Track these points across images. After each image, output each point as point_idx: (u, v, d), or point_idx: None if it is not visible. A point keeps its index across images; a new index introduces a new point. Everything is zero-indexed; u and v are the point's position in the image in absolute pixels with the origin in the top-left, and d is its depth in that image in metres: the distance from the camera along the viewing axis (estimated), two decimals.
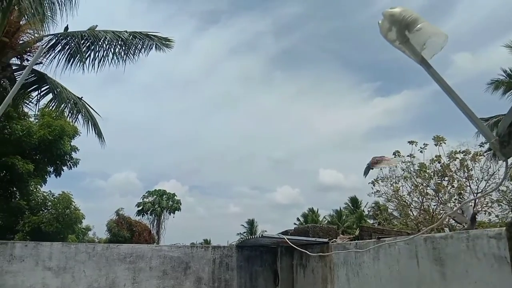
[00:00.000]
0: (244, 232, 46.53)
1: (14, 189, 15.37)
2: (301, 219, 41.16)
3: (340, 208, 39.96)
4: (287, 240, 5.79)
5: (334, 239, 6.07)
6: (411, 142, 11.65)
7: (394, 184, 12.10)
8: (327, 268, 5.73)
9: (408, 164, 11.80)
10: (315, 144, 61.93)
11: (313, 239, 6.02)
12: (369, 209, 24.97)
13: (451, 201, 10.88)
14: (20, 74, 9.61)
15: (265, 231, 40.78)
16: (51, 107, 10.96)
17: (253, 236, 6.74)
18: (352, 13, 57.35)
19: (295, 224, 38.66)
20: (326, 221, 39.60)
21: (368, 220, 26.05)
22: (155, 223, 39.06)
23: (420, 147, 11.52)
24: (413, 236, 3.96)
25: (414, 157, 11.68)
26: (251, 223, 47.15)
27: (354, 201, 38.60)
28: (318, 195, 62.66)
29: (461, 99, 2.03)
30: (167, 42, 10.41)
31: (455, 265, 3.28)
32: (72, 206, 16.55)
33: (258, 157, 66.21)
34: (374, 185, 12.50)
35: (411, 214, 12.00)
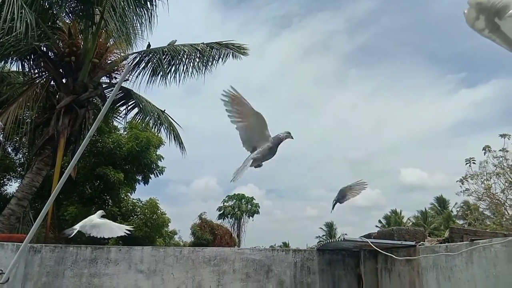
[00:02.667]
0: (323, 235, 45.96)
1: (107, 197, 16.68)
2: (383, 221, 39.66)
3: (425, 209, 37.87)
4: (371, 244, 5.62)
5: (421, 242, 5.77)
6: (503, 136, 10.69)
7: (485, 182, 11.18)
8: (415, 272, 5.46)
9: (501, 159, 10.87)
10: (395, 142, 59.38)
11: (399, 242, 5.78)
12: (458, 209, 23.42)
13: None
14: (109, 92, 10.48)
15: (346, 234, 39.89)
16: (137, 120, 11.82)
17: (334, 240, 6.63)
18: (429, 3, 54.42)
19: (377, 226, 37.36)
20: (410, 223, 37.76)
21: (457, 221, 24.35)
22: (236, 226, 40.05)
23: None
24: None
25: (507, 151, 10.72)
26: (330, 226, 46.46)
27: (441, 201, 36.39)
28: (400, 195, 59.95)
29: None
30: (242, 50, 10.72)
31: None
32: (159, 211, 17.47)
33: (334, 159, 65.09)
34: (462, 183, 11.67)
35: (506, 213, 11.02)
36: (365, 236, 6.27)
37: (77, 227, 6.05)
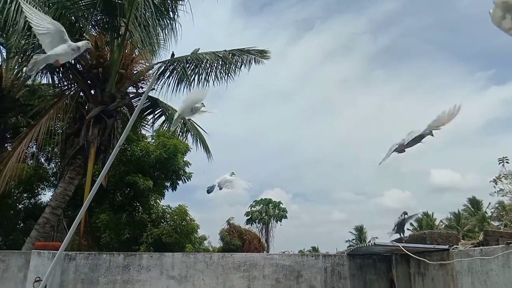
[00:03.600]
0: (353, 239, 45.29)
1: (138, 204, 16.96)
2: (415, 224, 38.69)
3: (459, 211, 36.77)
4: (403, 248, 5.50)
5: (455, 246, 5.61)
6: None
7: None
8: (449, 277, 5.32)
9: None
10: (425, 143, 57.83)
11: (432, 246, 5.63)
12: (492, 210, 22.66)
13: None
14: (136, 101, 10.70)
15: (376, 237, 39.15)
16: (164, 128, 12.02)
17: (365, 244, 6.52)
18: (453, 0, 53.16)
19: (408, 229, 36.49)
20: (443, 225, 36.75)
21: (492, 223, 23.56)
22: (264, 231, 39.99)
23: None
24: None
25: None
26: (359, 230, 45.75)
27: (474, 202, 35.31)
28: (431, 197, 58.36)
29: None
30: (264, 54, 10.76)
31: None
32: (188, 218, 17.60)
33: (360, 161, 64.12)
34: (496, 184, 11.30)
35: None
36: (396, 240, 6.14)
37: (216, 183, 6.68)
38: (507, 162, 10.48)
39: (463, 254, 5.06)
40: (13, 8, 8.27)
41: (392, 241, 6.15)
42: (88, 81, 10.26)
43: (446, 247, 5.54)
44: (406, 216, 6.10)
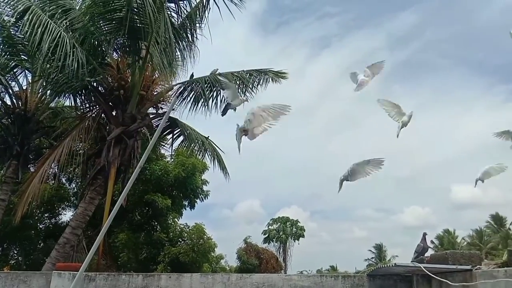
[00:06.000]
0: (372, 258, 44.36)
1: (156, 223, 17.07)
2: (436, 242, 37.77)
3: (481, 228, 35.80)
4: (424, 269, 5.41)
5: (478, 266, 5.48)
6: None
7: None
8: None
9: None
10: (445, 158, 56.83)
11: (454, 266, 5.51)
12: None
13: None
14: (156, 121, 10.89)
15: (396, 256, 38.31)
16: (183, 148, 12.18)
17: (385, 265, 6.41)
18: (472, 14, 52.97)
19: (430, 248, 35.65)
20: (465, 243, 35.81)
21: None
22: (281, 250, 39.62)
23: None
24: None
25: None
26: (379, 248, 44.82)
27: (497, 219, 34.37)
28: (452, 214, 57.09)
29: None
30: (281, 74, 10.88)
31: None
32: (205, 236, 17.58)
33: (381, 177, 62.99)
34: None
35: None
36: (417, 260, 6.04)
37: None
38: None
39: (486, 275, 4.94)
40: (39, 32, 8.57)
41: (413, 261, 6.05)
42: (110, 103, 10.50)
43: (469, 267, 5.41)
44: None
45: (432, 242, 37.46)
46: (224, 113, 5.43)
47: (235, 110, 4.94)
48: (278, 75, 10.89)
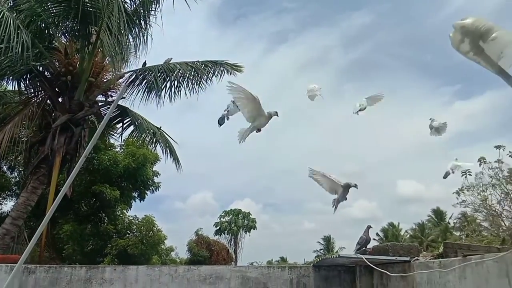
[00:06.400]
0: (321, 249, 45.69)
1: (103, 214, 16.61)
2: (381, 234, 39.45)
3: (423, 221, 37.74)
4: (366, 260, 5.63)
5: (416, 258, 5.79)
6: (498, 147, 10.81)
7: (481, 193, 11.25)
8: None
9: (496, 170, 10.95)
10: (391, 155, 59.38)
11: (393, 258, 5.79)
12: (455, 221, 23.42)
13: None
14: (105, 109, 10.54)
15: (343, 247, 39.61)
16: (133, 138, 11.87)
17: (330, 256, 6.61)
18: (423, 18, 55.25)
19: (374, 239, 37.15)
20: (408, 236, 37.61)
21: (455, 233, 24.34)
22: (232, 242, 39.85)
23: (509, 151, 10.62)
24: (503, 254, 3.68)
25: (502, 162, 10.81)
26: (327, 240, 46.21)
27: (438, 213, 36.30)
28: (397, 208, 59.75)
29: None
30: (237, 68, 10.84)
31: None
32: (155, 228, 17.38)
33: (330, 172, 64.70)
34: (459, 195, 11.74)
35: (503, 224, 11.05)
36: (360, 252, 6.28)
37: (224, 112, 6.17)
38: (469, 175, 10.88)
39: (423, 266, 5.22)
40: None
41: (356, 252, 6.28)
42: (56, 89, 10.05)
43: (408, 259, 5.71)
44: (367, 236, 6.36)
45: (377, 234, 39.13)
46: (221, 124, 6.17)
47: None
48: (234, 68, 10.85)
